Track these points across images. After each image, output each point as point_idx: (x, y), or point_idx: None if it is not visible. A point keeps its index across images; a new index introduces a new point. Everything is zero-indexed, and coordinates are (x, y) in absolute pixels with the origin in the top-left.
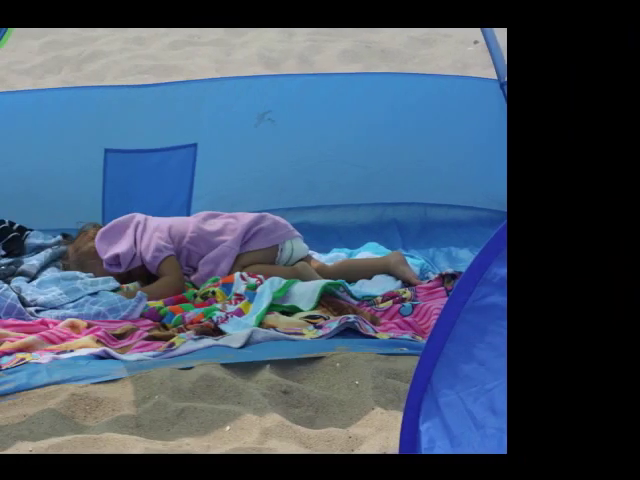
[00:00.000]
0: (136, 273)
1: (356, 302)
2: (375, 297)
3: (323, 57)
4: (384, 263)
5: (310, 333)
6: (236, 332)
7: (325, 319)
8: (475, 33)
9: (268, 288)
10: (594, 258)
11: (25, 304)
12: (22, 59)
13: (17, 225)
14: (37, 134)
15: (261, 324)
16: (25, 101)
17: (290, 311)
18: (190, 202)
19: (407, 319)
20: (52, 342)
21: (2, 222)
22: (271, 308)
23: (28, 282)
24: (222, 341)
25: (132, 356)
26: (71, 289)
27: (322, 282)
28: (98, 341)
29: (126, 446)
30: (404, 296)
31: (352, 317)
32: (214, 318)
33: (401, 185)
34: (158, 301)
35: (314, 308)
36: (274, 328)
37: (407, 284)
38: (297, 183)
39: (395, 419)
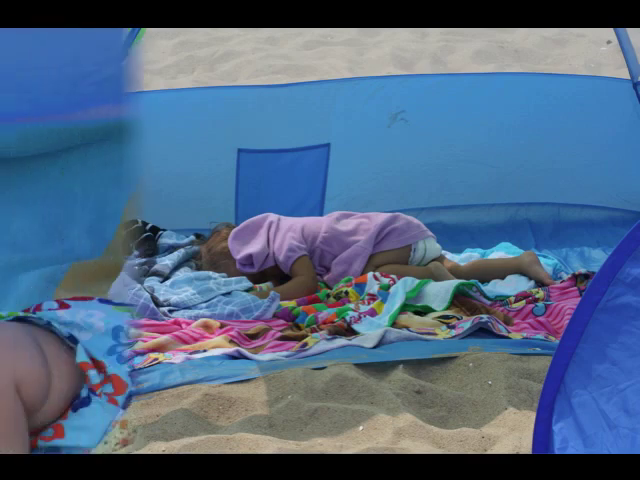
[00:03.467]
0: (269, 273)
1: (489, 302)
2: (508, 297)
3: (456, 57)
4: (517, 263)
5: (443, 333)
6: (369, 332)
7: (458, 319)
8: (608, 33)
9: (401, 288)
10: None
11: (158, 304)
12: (155, 59)
13: (150, 225)
14: (170, 134)
15: (394, 324)
16: (158, 101)
17: (423, 311)
18: (323, 202)
19: (540, 319)
20: (185, 342)
21: (135, 222)
22: (404, 308)
23: (161, 282)
24: (355, 341)
25: (265, 356)
26: (204, 289)
27: (455, 282)
28: (231, 341)
29: (259, 446)
30: (537, 296)
31: (485, 317)
32: (347, 318)
33: (534, 185)
34: (291, 301)
35: (447, 308)
36: (407, 328)
37: (540, 284)
38: (429, 183)
39: (528, 419)
